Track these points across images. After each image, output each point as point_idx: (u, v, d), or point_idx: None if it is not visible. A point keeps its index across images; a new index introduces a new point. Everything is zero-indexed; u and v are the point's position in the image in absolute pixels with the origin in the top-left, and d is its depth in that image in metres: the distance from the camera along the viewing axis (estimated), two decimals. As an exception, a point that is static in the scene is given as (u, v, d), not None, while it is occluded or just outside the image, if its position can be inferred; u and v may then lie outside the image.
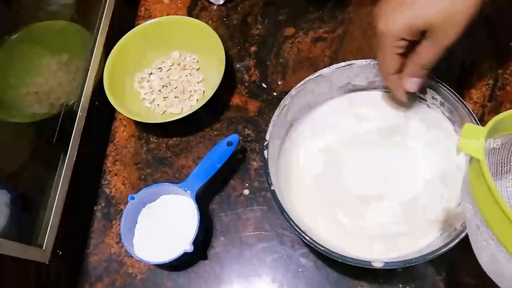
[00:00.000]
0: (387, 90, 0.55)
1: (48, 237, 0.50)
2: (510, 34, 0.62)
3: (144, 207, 0.54)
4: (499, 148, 0.36)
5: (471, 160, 0.33)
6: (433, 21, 0.42)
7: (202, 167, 0.54)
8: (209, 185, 0.53)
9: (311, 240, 0.44)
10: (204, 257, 0.54)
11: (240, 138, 0.56)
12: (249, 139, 0.60)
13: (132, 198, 0.52)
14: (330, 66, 0.53)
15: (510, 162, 0.38)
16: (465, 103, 0.48)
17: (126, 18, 0.71)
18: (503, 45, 0.61)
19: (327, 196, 0.51)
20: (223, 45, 0.60)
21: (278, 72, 0.64)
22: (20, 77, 0.55)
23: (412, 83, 0.48)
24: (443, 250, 0.42)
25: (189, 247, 0.49)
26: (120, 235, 0.51)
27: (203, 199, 0.55)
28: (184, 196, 0.53)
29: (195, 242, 0.49)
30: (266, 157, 0.49)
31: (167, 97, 0.63)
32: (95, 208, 0.58)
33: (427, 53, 0.45)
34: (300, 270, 0.52)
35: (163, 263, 0.49)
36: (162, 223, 0.53)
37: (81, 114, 0.58)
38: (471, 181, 0.33)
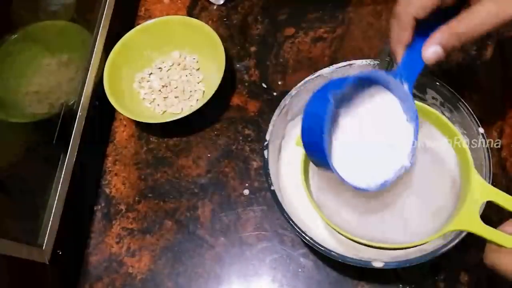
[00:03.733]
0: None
1: (48, 237, 0.50)
2: (510, 34, 0.62)
3: (338, 108, 0.39)
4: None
5: None
6: None
7: (413, 51, 0.40)
8: (210, 183, 0.53)
9: (311, 240, 0.44)
10: None
11: (240, 138, 0.55)
12: (249, 139, 0.60)
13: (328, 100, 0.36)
14: (330, 66, 0.53)
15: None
16: (465, 103, 0.48)
17: (126, 18, 0.71)
18: (503, 45, 0.61)
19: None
20: (223, 45, 0.60)
21: (278, 72, 0.64)
22: (20, 77, 0.55)
23: (433, 52, 0.40)
24: (443, 250, 0.42)
25: (407, 162, 0.39)
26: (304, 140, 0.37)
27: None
28: (387, 93, 0.40)
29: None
30: (266, 157, 0.49)
31: (167, 97, 0.63)
32: (95, 208, 0.58)
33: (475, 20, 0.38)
34: (300, 270, 0.52)
35: (377, 188, 0.38)
36: (367, 132, 0.41)
37: (81, 114, 0.58)
38: None
